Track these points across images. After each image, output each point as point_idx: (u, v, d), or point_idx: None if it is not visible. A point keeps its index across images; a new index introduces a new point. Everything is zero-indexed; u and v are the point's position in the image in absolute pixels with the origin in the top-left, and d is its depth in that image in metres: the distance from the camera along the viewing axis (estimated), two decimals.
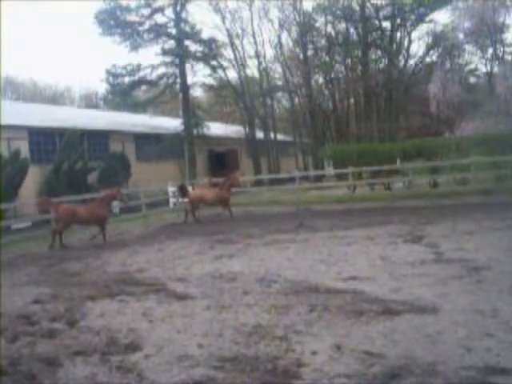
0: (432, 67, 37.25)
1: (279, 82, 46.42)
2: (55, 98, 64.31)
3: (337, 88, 43.09)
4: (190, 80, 36.94)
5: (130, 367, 5.01)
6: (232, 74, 42.56)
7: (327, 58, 42.18)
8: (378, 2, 39.84)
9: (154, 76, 36.31)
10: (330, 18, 41.13)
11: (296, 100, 44.70)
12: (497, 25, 34.89)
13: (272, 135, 43.44)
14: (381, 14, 40.38)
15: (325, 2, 39.97)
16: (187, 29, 36.01)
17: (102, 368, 5.05)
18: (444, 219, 13.55)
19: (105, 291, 8.27)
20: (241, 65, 41.14)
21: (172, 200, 24.67)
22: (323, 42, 42.54)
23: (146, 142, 32.90)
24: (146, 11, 35.04)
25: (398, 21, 40.52)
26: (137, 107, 39.60)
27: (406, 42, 42.20)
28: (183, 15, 35.65)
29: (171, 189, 24.64)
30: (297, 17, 40.98)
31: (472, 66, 44.38)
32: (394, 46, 41.62)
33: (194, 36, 36.30)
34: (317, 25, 42.24)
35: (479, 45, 39.66)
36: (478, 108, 35.85)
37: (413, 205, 18.05)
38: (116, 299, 7.72)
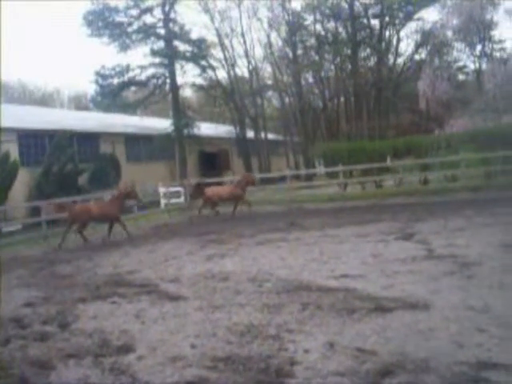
0: (421, 65, 37.43)
1: (269, 82, 46.41)
2: (44, 100, 63.93)
3: (327, 87, 43.10)
4: (179, 80, 36.94)
5: (123, 369, 4.99)
6: (222, 74, 42.56)
7: (317, 57, 42.17)
8: (367, 1, 39.91)
9: (143, 77, 36.23)
10: (318, 16, 41.14)
11: (286, 99, 44.67)
12: (485, 22, 35.12)
13: (263, 135, 43.43)
14: (369, 12, 40.42)
15: (314, 0, 39.97)
16: (176, 29, 35.98)
17: (94, 370, 5.04)
18: (435, 216, 13.61)
19: (96, 293, 8.25)
20: (230, 64, 41.10)
21: (163, 201, 24.64)
22: (312, 40, 42.52)
23: (137, 142, 32.83)
24: (134, 12, 34.97)
25: (387, 19, 40.60)
26: (126, 108, 39.50)
27: (394, 40, 42.30)
28: (172, 15, 35.63)
29: (162, 190, 24.61)
30: (286, 16, 40.97)
31: (461, 64, 44.53)
32: (383, 44, 41.68)
33: (183, 36, 36.27)
34: (306, 24, 42.25)
35: (468, 42, 39.87)
36: (467, 105, 36.06)
37: (404, 202, 18.11)
38: (108, 301, 7.69)
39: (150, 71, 36.20)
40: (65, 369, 5.15)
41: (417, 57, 42.84)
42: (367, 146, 24.99)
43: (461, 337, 4.96)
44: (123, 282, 9.02)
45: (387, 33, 41.76)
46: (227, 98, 41.86)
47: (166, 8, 35.05)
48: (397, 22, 41.00)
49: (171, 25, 35.56)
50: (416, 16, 40.44)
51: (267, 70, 45.91)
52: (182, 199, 25.62)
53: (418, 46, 41.98)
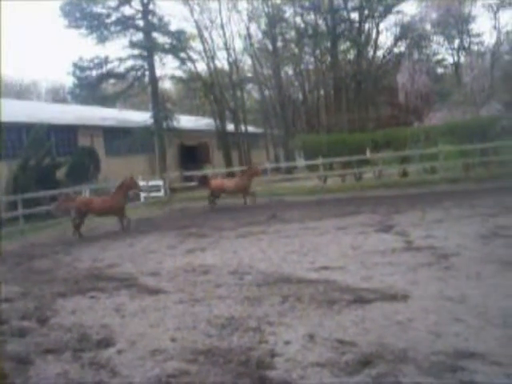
0: (400, 58, 37.69)
1: (249, 74, 46.28)
2: (21, 93, 62.99)
3: (306, 79, 43.18)
4: (158, 73, 36.60)
5: (103, 363, 4.97)
6: (201, 67, 42.42)
7: (296, 50, 42.20)
8: None
9: (122, 69, 35.85)
10: (298, 9, 41.11)
11: (266, 92, 44.65)
12: (463, 16, 35.51)
13: (243, 127, 43.36)
14: (349, 5, 40.52)
15: None
16: (155, 21, 35.62)
17: (74, 365, 5.01)
18: (413, 208, 13.74)
19: (76, 288, 8.19)
20: (210, 57, 40.85)
21: (143, 194, 24.49)
22: (292, 33, 42.52)
23: (116, 136, 32.50)
24: (112, 3, 34.53)
25: (366, 12, 40.74)
26: (105, 101, 39.05)
27: (374, 33, 42.49)
28: (151, 7, 35.24)
29: (142, 183, 24.45)
30: (265, 8, 40.87)
31: (439, 57, 45.05)
32: (363, 37, 41.82)
33: (162, 28, 35.94)
34: (286, 16, 42.22)
35: (446, 35, 40.30)
36: (445, 98, 36.47)
37: (383, 194, 18.26)
38: (87, 295, 7.64)
39: (129, 63, 35.85)
40: (44, 364, 5.11)
41: (396, 50, 43.18)
42: (347, 138, 25.08)
43: (439, 327, 5.03)
44: (103, 276, 8.96)
45: (367, 26, 41.93)
46: (207, 90, 41.65)
47: None
48: (376, 14, 41.17)
49: (150, 16, 35.21)
50: (395, 9, 40.70)
51: (247, 62, 45.82)
52: (162, 193, 25.53)
53: (397, 39, 42.26)
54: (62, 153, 26.80)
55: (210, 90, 40.99)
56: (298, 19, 41.75)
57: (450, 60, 44.70)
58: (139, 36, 35.71)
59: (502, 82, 36.08)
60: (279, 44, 42.52)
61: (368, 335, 4.99)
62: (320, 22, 41.53)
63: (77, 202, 15.29)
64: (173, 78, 40.69)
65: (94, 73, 35.52)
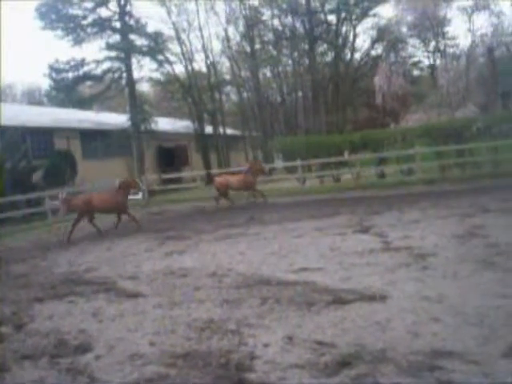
0: (377, 60, 38.05)
1: (227, 76, 46.29)
2: None
3: (285, 81, 43.34)
4: (136, 75, 36.51)
5: (81, 369, 4.91)
6: (179, 69, 42.21)
7: (274, 52, 42.33)
8: None
9: (98, 71, 35.68)
10: (276, 11, 41.29)
11: (244, 94, 44.71)
12: (438, 18, 35.99)
13: (221, 130, 43.32)
14: (326, 7, 40.82)
15: None
16: (132, 22, 35.49)
17: (51, 371, 4.94)
18: (391, 209, 13.83)
19: (53, 292, 8.09)
20: (188, 59, 40.79)
21: None
22: (270, 35, 42.67)
23: (93, 138, 32.23)
24: (89, 4, 34.33)
25: (343, 14, 41.06)
26: (82, 103, 38.76)
27: (351, 36, 42.89)
28: (128, 9, 35.10)
29: None
30: (243, 10, 40.96)
31: (415, 59, 45.60)
32: (340, 39, 42.17)
33: (140, 30, 35.81)
34: (264, 18, 42.34)
35: (422, 38, 40.82)
36: (421, 100, 36.91)
37: (361, 195, 18.36)
38: (65, 300, 7.55)
39: (106, 65, 35.69)
40: (20, 370, 5.03)
41: (373, 52, 43.64)
42: (325, 140, 25.20)
43: (417, 326, 5.06)
44: (80, 280, 8.87)
45: (344, 28, 42.31)
46: (185, 92, 41.55)
47: (122, 1, 34.50)
48: (353, 17, 41.55)
49: (127, 18, 35.05)
50: (372, 12, 41.12)
51: (225, 64, 45.83)
52: (140, 196, 25.33)
53: (374, 41, 42.70)
54: (38, 156, 26.48)
55: (188, 93, 40.90)
56: (276, 21, 42.01)
57: (426, 62, 45.35)
58: (116, 38, 35.53)
59: (476, 84, 36.63)
60: (257, 46, 42.63)
61: (347, 336, 5.01)
62: (298, 24, 41.76)
63: (79, 201, 15.19)
64: (150, 80, 40.60)
65: (71, 75, 35.30)
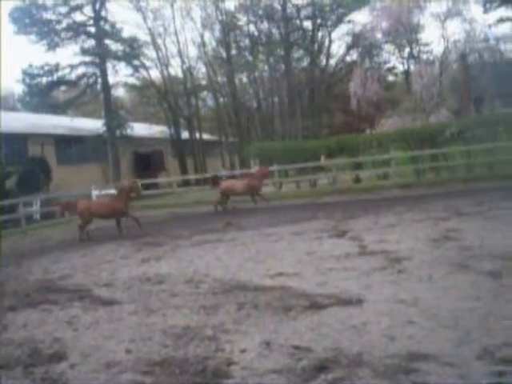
0: (352, 66, 38.37)
1: (203, 82, 46.24)
2: None
3: (261, 87, 43.44)
4: (111, 80, 36.29)
5: (55, 378, 4.83)
6: (155, 74, 42.06)
7: (250, 58, 42.42)
8: (299, 2, 40.53)
9: (73, 76, 35.32)
10: (252, 17, 41.38)
11: (221, 99, 44.68)
12: (412, 25, 36.45)
13: (198, 135, 43.23)
14: (302, 13, 41.05)
15: (247, 1, 40.16)
16: (107, 27, 35.23)
17: (25, 381, 4.86)
18: (367, 213, 13.94)
19: (27, 300, 7.96)
20: (164, 64, 40.72)
21: None
22: (246, 41, 42.76)
23: (67, 144, 31.89)
24: (63, 9, 34.01)
25: (319, 21, 41.36)
26: (56, 108, 38.30)
27: (326, 42, 43.18)
28: (103, 13, 34.85)
29: (95, 192, 24.00)
30: (219, 16, 40.97)
31: (390, 65, 46.06)
32: (316, 45, 42.43)
33: (115, 35, 35.56)
34: (239, 24, 42.41)
35: (396, 44, 41.29)
36: (396, 105, 37.35)
37: (337, 200, 18.48)
38: (39, 308, 7.43)
39: (81, 70, 35.36)
40: None
41: (348, 58, 43.99)
42: (301, 145, 25.35)
43: (392, 330, 5.09)
44: (55, 288, 8.74)
45: (319, 34, 42.60)
46: (161, 98, 41.42)
47: (97, 6, 34.26)
48: (328, 23, 41.85)
49: (102, 23, 34.79)
50: (347, 18, 41.46)
51: (201, 70, 45.78)
52: None
53: (349, 47, 43.03)
54: (12, 162, 26.08)
55: (164, 98, 40.78)
56: (252, 27, 42.09)
57: (401, 68, 45.83)
58: (91, 43, 35.26)
59: (450, 89, 37.22)
60: (233, 52, 42.67)
61: (324, 340, 5.02)
62: (274, 30, 41.93)
63: (79, 207, 15.12)
64: (126, 85, 40.43)
65: (45, 80, 34.87)
